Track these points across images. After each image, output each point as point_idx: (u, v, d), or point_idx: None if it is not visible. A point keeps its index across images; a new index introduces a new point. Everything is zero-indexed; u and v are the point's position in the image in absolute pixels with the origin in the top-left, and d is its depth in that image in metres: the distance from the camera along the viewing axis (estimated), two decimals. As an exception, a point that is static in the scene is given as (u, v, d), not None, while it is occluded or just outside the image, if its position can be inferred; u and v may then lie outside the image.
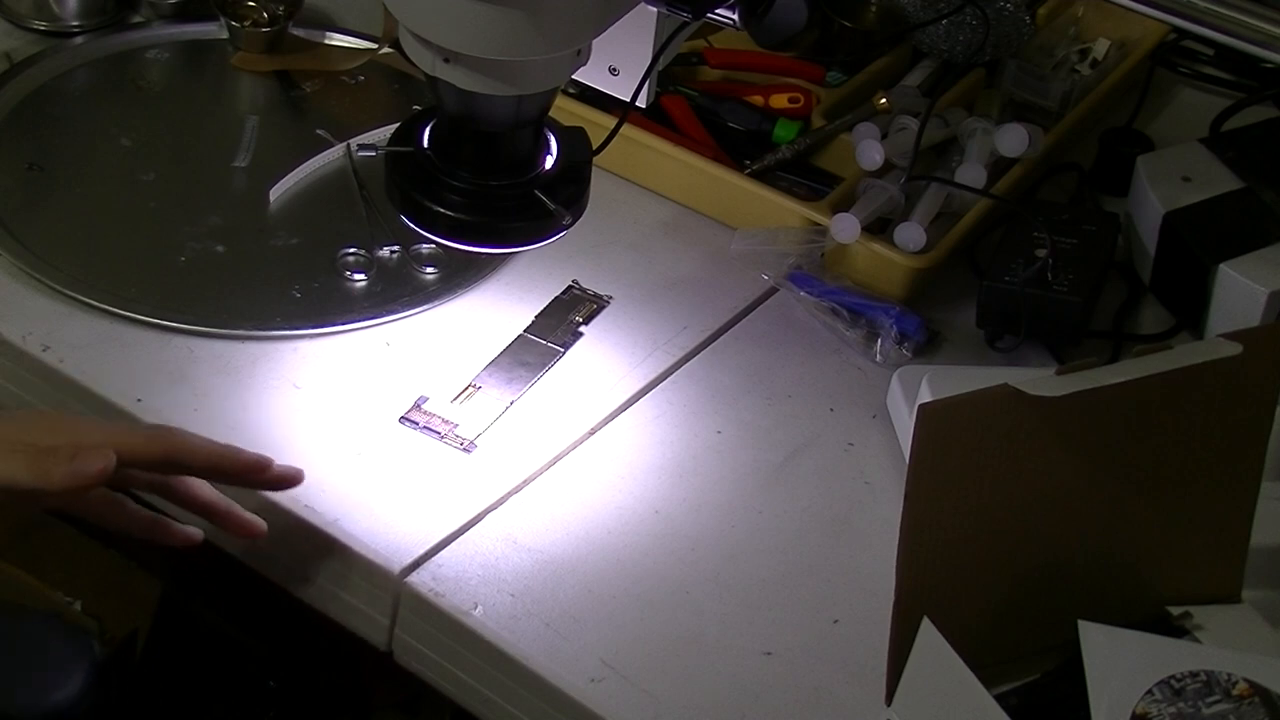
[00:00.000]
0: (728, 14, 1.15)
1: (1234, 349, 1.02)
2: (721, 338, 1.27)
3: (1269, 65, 1.57)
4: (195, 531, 1.10)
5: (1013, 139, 1.36)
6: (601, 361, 1.24)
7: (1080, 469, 1.02)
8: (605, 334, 1.26)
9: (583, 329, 1.26)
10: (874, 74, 1.48)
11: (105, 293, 1.22)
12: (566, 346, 1.24)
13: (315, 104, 1.45)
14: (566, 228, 1.13)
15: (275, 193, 1.34)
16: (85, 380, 1.17)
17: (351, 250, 1.29)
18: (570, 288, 1.29)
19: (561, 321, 1.26)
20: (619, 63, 1.18)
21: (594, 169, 1.15)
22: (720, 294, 1.30)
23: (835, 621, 1.08)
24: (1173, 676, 0.98)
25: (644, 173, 1.38)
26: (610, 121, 1.18)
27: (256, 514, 1.11)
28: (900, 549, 0.99)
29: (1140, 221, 1.37)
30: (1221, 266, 1.28)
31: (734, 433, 1.20)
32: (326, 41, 1.51)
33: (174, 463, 1.04)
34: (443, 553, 1.09)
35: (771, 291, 1.31)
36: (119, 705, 1.33)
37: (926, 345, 1.29)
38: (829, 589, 1.10)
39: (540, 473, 1.15)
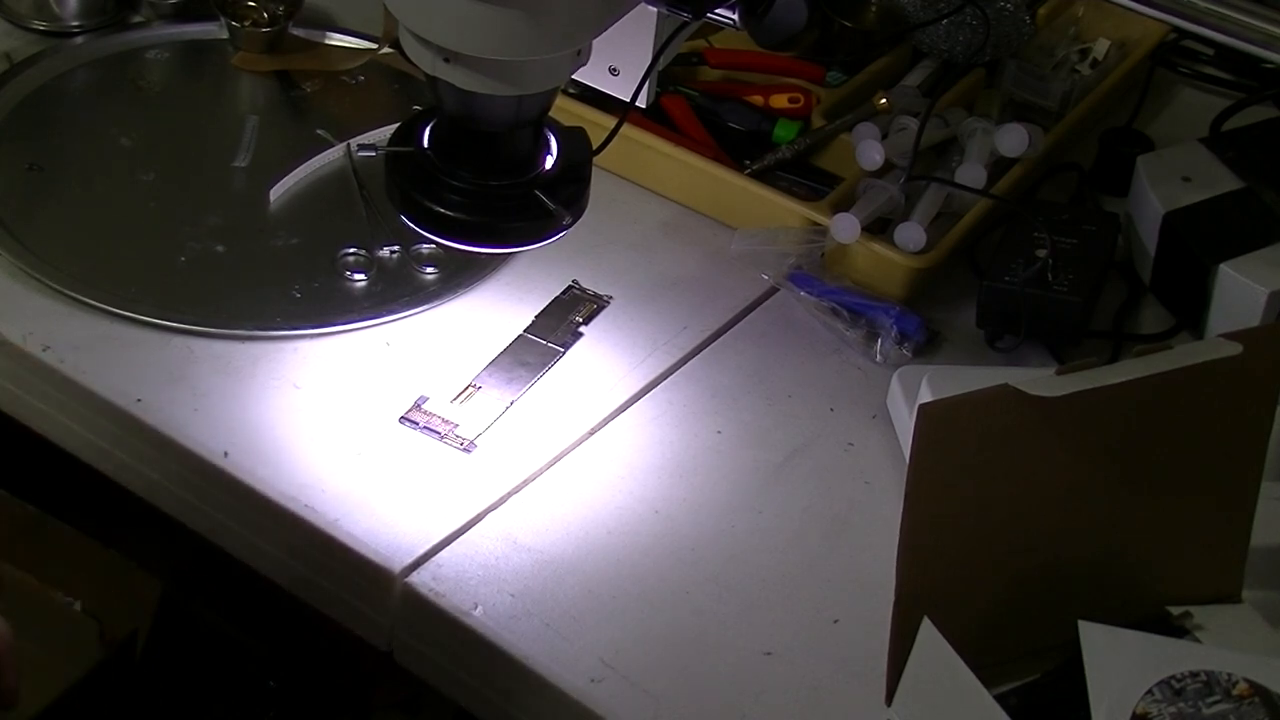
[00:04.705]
0: (728, 14, 1.15)
1: (1234, 349, 1.02)
2: (721, 338, 1.27)
3: (1269, 65, 1.57)
4: None
5: (1013, 139, 1.36)
6: (601, 361, 1.24)
7: (1080, 469, 1.02)
8: (605, 334, 1.26)
9: (583, 329, 1.26)
10: (874, 74, 1.48)
11: (105, 293, 1.22)
12: (566, 346, 1.24)
13: (315, 104, 1.45)
14: (566, 228, 1.13)
15: (275, 193, 1.34)
16: (85, 380, 1.17)
17: (351, 250, 1.29)
18: (570, 288, 1.29)
19: (561, 321, 1.26)
20: (619, 63, 1.18)
21: (594, 169, 1.15)
22: (720, 294, 1.30)
23: (835, 621, 1.08)
24: (1173, 676, 0.98)
25: (644, 173, 1.38)
26: (610, 121, 1.18)
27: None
28: (900, 549, 0.99)
29: (1140, 221, 1.37)
30: (1221, 266, 1.28)
31: (734, 433, 1.20)
32: (326, 41, 1.51)
33: None
34: (443, 553, 1.09)
35: (771, 291, 1.31)
36: (119, 706, 1.33)
37: (926, 345, 1.29)
38: (829, 589, 1.10)
39: (540, 473, 1.15)
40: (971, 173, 1.35)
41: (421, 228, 1.13)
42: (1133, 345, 1.17)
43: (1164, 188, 1.36)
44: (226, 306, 1.23)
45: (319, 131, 1.40)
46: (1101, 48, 1.55)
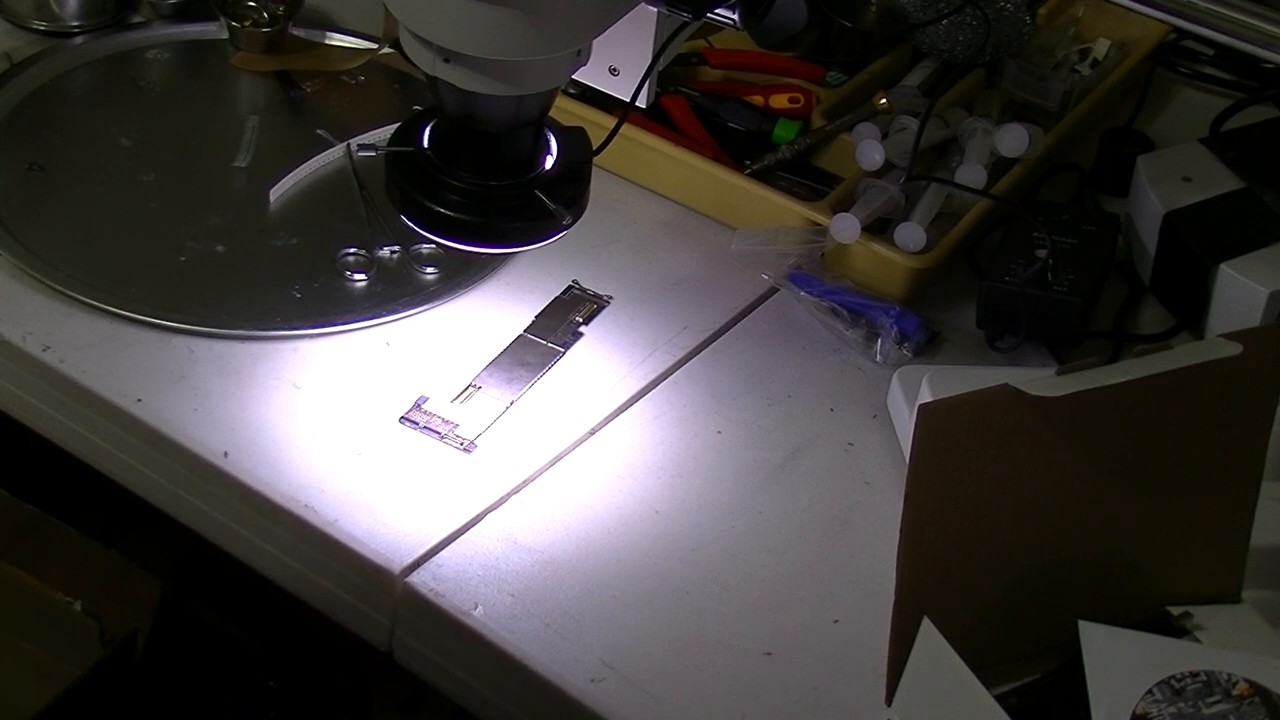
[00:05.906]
0: (728, 14, 1.15)
1: (1234, 349, 1.02)
2: (721, 338, 1.27)
3: (1269, 65, 1.57)
4: None
5: (1013, 139, 1.36)
6: (601, 361, 1.24)
7: (1080, 469, 1.02)
8: (605, 334, 1.26)
9: (583, 329, 1.26)
10: (874, 74, 1.48)
11: (105, 293, 1.22)
12: (566, 346, 1.24)
13: (315, 104, 1.45)
14: (566, 228, 1.13)
15: (275, 193, 1.34)
16: (85, 380, 1.17)
17: (351, 250, 1.29)
18: (570, 288, 1.29)
19: (561, 321, 1.26)
20: (619, 63, 1.18)
21: (594, 169, 1.15)
22: (720, 294, 1.30)
23: (835, 621, 1.08)
24: (1173, 676, 0.98)
25: (644, 173, 1.38)
26: (610, 121, 1.18)
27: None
28: (900, 549, 0.99)
29: (1140, 221, 1.37)
30: (1221, 266, 1.28)
31: (734, 433, 1.20)
32: (326, 41, 1.51)
33: None
34: (443, 553, 1.09)
35: (771, 291, 1.31)
36: (119, 706, 1.33)
37: (926, 345, 1.29)
38: (829, 589, 1.10)
39: (540, 473, 1.15)
40: (971, 173, 1.35)
41: (422, 228, 1.13)
42: (1133, 345, 1.17)
43: (1164, 188, 1.36)
44: (226, 306, 1.23)
45: (319, 131, 1.40)
46: (1101, 48, 1.55)
